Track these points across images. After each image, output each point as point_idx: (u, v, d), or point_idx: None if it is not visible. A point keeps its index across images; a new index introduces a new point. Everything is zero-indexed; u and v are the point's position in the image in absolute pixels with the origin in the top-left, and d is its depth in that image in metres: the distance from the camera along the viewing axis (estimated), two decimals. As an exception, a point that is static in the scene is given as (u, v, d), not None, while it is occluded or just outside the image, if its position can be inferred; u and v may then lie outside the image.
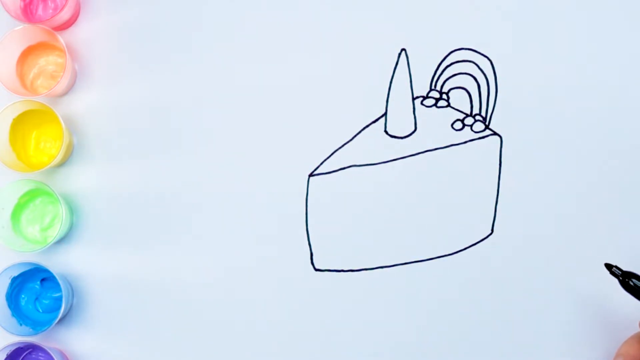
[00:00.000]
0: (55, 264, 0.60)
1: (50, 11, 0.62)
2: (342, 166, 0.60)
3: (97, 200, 0.61)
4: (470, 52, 0.60)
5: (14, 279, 0.59)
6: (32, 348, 0.59)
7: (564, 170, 0.59)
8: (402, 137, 0.60)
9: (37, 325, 0.59)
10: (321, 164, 0.60)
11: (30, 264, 0.58)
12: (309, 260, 0.60)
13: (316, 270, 0.60)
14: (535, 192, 0.59)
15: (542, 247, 0.58)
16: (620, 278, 0.52)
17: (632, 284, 0.52)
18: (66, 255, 0.61)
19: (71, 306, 0.60)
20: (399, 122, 0.60)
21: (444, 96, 0.60)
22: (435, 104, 0.60)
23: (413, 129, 0.60)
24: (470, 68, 0.60)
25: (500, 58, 0.60)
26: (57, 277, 0.57)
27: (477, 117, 0.59)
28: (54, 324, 0.57)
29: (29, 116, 0.60)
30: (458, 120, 0.60)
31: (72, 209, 0.61)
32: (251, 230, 0.60)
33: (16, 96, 0.58)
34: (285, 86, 0.61)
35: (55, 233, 0.59)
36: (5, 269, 0.57)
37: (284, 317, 0.59)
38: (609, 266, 0.53)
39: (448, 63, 0.60)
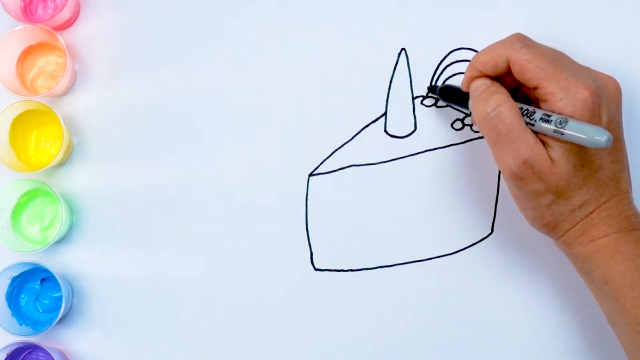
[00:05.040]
0: (55, 264, 0.60)
1: (50, 11, 0.62)
2: (342, 166, 0.60)
3: (97, 200, 0.61)
4: (470, 52, 0.60)
5: (14, 279, 0.59)
6: (32, 348, 0.59)
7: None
8: (402, 137, 0.60)
9: (37, 325, 0.59)
10: (321, 163, 0.60)
11: (30, 264, 0.58)
12: (309, 260, 0.60)
13: (316, 270, 0.60)
14: (535, 192, 0.59)
15: (542, 247, 0.58)
16: (441, 94, 0.57)
17: (447, 94, 0.57)
18: (66, 255, 0.61)
19: (71, 306, 0.60)
20: (399, 121, 0.60)
21: (444, 96, 0.60)
22: (435, 104, 0.60)
23: (413, 128, 0.60)
24: (470, 68, 0.60)
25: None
26: (57, 277, 0.57)
27: (477, 117, 0.59)
28: (54, 324, 0.57)
29: (29, 116, 0.60)
30: (458, 120, 0.59)
31: (72, 209, 0.61)
32: (251, 230, 0.60)
33: (16, 96, 0.58)
34: (285, 86, 0.61)
35: (55, 233, 0.59)
36: (5, 269, 0.58)
37: (283, 317, 0.59)
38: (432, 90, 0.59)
39: (448, 63, 0.60)
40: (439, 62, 0.60)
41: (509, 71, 0.50)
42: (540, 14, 0.59)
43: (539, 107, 0.49)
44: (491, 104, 0.49)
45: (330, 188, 0.60)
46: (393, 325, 0.59)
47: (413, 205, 0.59)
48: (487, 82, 0.51)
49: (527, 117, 0.48)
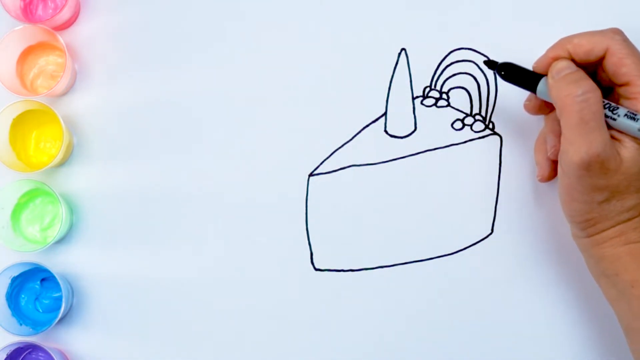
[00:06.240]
0: (55, 264, 0.60)
1: (50, 11, 0.62)
2: (342, 166, 0.60)
3: (97, 200, 0.61)
4: (470, 51, 0.60)
5: (14, 279, 0.59)
6: (32, 348, 0.59)
7: (564, 170, 0.59)
8: (402, 137, 0.60)
9: (37, 325, 0.59)
10: (321, 163, 0.60)
11: (30, 264, 0.58)
12: (309, 260, 0.60)
13: (316, 270, 0.60)
14: (535, 192, 0.59)
15: (542, 247, 0.58)
16: (502, 71, 0.53)
17: (509, 72, 0.53)
18: (66, 255, 0.61)
19: (71, 306, 0.60)
20: (399, 121, 0.60)
21: (444, 96, 0.60)
22: (435, 104, 0.60)
23: (413, 128, 0.60)
24: (470, 68, 0.60)
25: (500, 58, 0.59)
26: (57, 277, 0.57)
27: (477, 117, 0.59)
28: (54, 324, 0.57)
29: (29, 116, 0.60)
30: (458, 119, 0.59)
31: (72, 209, 0.61)
32: (251, 230, 0.60)
33: (16, 96, 0.58)
34: (285, 86, 0.61)
35: (55, 233, 0.59)
36: (5, 269, 0.58)
37: (283, 316, 0.59)
38: (489, 65, 0.54)
39: (448, 63, 0.60)
40: (439, 62, 0.60)
41: (588, 64, 0.50)
42: (540, 14, 0.59)
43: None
44: (582, 87, 0.48)
45: (330, 188, 0.60)
46: (393, 325, 0.59)
47: (413, 205, 0.59)
48: (574, 66, 0.50)
49: (610, 111, 0.48)
